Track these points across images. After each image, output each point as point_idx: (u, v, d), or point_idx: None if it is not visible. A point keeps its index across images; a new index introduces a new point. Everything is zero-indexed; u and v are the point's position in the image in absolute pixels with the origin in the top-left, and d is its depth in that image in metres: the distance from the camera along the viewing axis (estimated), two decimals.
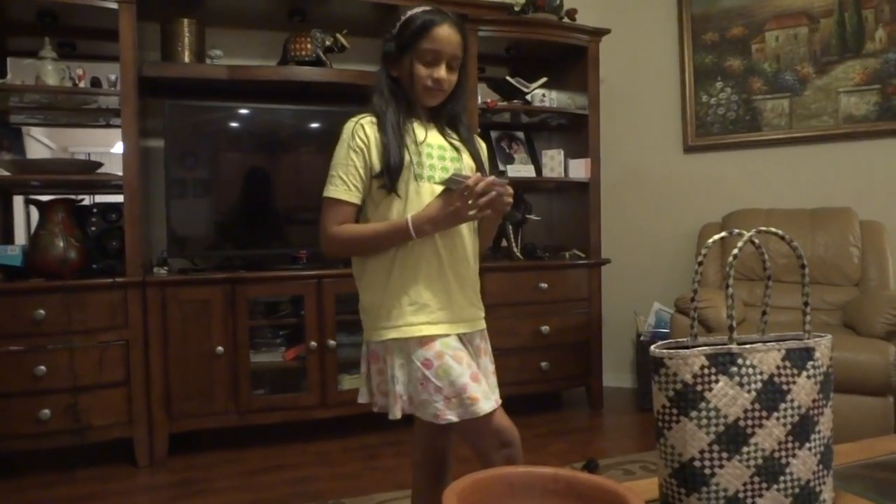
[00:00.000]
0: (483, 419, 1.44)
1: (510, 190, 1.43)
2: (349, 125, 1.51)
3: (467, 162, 1.56)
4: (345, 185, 1.48)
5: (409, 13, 1.51)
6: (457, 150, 1.56)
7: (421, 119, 1.56)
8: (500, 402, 1.50)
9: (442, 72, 1.47)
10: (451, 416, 1.43)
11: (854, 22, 3.42)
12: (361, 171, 1.48)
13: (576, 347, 3.51)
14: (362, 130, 1.49)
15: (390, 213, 1.49)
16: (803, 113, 3.56)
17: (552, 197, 3.92)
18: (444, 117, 1.58)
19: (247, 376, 2.93)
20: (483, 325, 1.62)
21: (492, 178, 1.42)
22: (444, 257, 1.51)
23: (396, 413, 1.48)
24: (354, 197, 1.49)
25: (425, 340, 1.47)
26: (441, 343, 1.47)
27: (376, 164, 1.48)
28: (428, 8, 1.51)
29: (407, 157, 1.47)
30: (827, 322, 3.04)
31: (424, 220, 1.44)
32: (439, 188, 1.46)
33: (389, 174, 1.45)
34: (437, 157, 1.52)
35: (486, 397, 1.45)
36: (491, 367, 1.63)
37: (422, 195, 1.48)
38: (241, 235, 3.17)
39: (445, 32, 1.46)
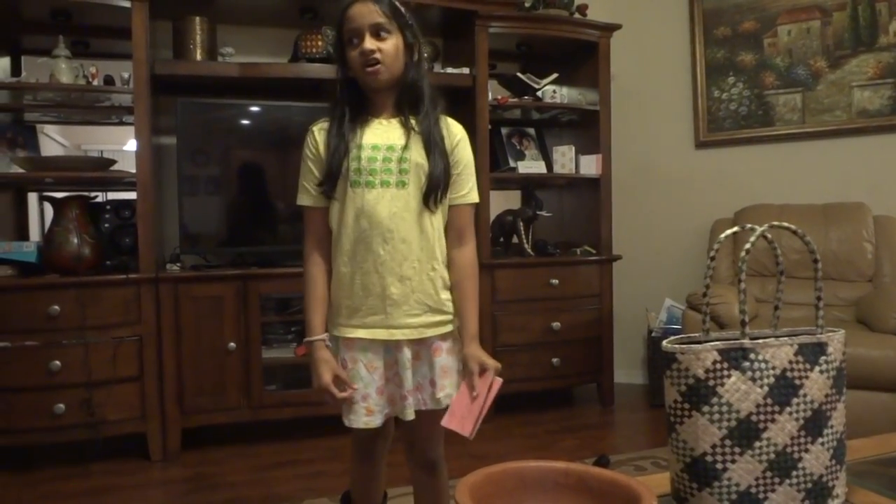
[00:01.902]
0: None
1: None
2: (307, 134, 1.57)
3: (413, 157, 1.48)
4: (306, 191, 1.57)
5: None
6: (407, 142, 1.49)
7: (381, 114, 1.53)
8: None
9: (366, 43, 1.44)
10: None
11: (867, 15, 3.39)
12: (318, 175, 1.53)
13: (587, 344, 3.50)
14: (312, 137, 1.55)
15: (332, 211, 1.55)
16: (816, 108, 3.54)
17: (563, 193, 3.92)
18: (406, 98, 1.52)
19: (259, 372, 2.95)
20: (423, 333, 1.57)
21: None
22: (383, 260, 1.51)
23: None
24: (317, 201, 1.56)
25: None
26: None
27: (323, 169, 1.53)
28: None
29: (345, 165, 1.48)
30: (840, 318, 3.01)
31: (313, 349, 1.70)
32: (370, 193, 1.48)
33: (326, 181, 1.51)
34: (383, 158, 1.48)
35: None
36: (454, 367, 1.61)
37: (354, 200, 1.49)
38: (253, 232, 3.19)
39: (357, 8, 1.45)
